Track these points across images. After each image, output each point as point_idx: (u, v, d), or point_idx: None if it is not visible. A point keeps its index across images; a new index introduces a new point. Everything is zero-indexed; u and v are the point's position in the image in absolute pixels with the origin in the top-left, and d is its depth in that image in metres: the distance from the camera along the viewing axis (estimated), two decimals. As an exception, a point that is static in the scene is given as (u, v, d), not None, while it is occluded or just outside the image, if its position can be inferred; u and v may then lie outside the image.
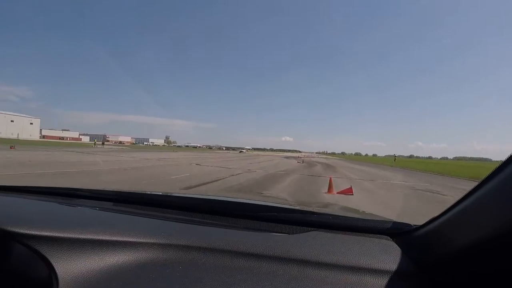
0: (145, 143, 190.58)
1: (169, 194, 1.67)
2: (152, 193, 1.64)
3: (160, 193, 1.71)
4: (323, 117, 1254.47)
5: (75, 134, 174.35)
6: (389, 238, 0.98)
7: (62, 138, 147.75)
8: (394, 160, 63.13)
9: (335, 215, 1.21)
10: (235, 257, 0.82)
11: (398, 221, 1.05)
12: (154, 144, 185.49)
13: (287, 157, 55.07)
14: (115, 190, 1.51)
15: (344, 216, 1.21)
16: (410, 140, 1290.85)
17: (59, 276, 0.70)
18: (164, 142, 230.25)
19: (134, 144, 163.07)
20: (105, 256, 0.78)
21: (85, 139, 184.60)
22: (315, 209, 1.32)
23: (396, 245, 0.91)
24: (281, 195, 8.05)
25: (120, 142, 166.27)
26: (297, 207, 1.46)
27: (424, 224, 0.86)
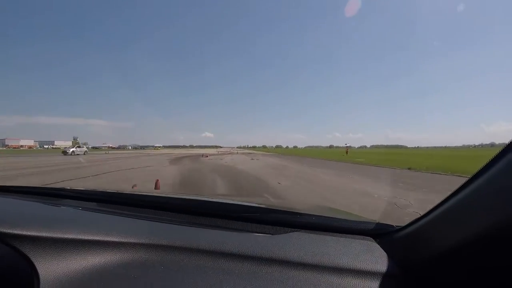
0: (48, 146, 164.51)
1: (152, 195, 1.64)
2: (135, 193, 1.63)
3: (143, 193, 1.66)
4: (243, 112, 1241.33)
5: None
6: (371, 239, 0.98)
7: None
8: (346, 152, 45.73)
9: (318, 215, 1.21)
10: (217, 257, 0.82)
11: (381, 222, 1.06)
12: (53, 147, 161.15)
13: (176, 159, 29.60)
14: (99, 190, 1.54)
15: (327, 217, 1.22)
16: (329, 131, 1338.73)
17: (40, 275, 0.70)
18: (72, 144, 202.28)
19: (33, 148, 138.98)
20: (87, 256, 0.78)
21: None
22: (299, 210, 1.27)
23: (379, 246, 0.92)
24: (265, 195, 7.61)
25: (21, 146, 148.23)
26: (280, 208, 1.36)
27: (407, 225, 0.87)
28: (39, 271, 0.70)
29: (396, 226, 0.97)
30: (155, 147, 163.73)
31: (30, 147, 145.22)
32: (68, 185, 6.77)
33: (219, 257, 0.82)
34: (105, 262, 0.78)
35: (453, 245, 0.64)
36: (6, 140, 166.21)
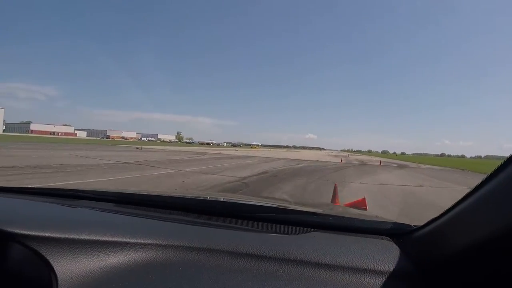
0: (148, 139, 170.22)
1: (169, 195, 1.61)
2: (152, 194, 1.64)
3: (160, 194, 1.69)
4: (347, 115, 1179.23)
5: (69, 129, 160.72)
6: (389, 238, 0.98)
7: (53, 133, 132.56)
8: None
9: (335, 215, 1.22)
10: (234, 258, 0.82)
11: (398, 221, 1.06)
12: (161, 140, 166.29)
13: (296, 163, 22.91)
14: (115, 191, 1.53)
15: (344, 217, 1.22)
16: (437, 138, 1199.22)
17: (58, 276, 0.70)
18: (176, 138, 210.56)
19: (139, 140, 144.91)
20: (105, 256, 0.78)
21: (82, 134, 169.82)
22: (315, 210, 1.28)
23: (396, 246, 0.91)
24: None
25: (124, 138, 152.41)
26: (297, 208, 1.39)
27: (424, 224, 0.87)
28: (57, 272, 0.71)
29: (413, 225, 0.97)
30: (252, 145, 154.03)
31: (131, 139, 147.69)
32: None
33: (237, 258, 0.82)
34: (123, 263, 0.78)
35: (471, 245, 0.63)
36: (108, 132, 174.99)
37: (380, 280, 0.74)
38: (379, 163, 29.21)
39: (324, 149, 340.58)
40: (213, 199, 1.57)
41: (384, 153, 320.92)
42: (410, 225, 0.99)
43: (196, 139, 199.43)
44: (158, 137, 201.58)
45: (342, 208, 1.91)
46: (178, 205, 1.31)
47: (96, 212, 1.18)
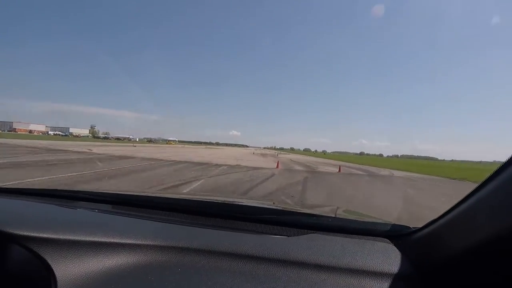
0: (55, 133, 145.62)
1: (168, 196, 1.60)
2: (151, 195, 1.62)
3: (159, 195, 1.66)
4: (270, 113, 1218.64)
5: None
6: (388, 240, 0.98)
7: None
8: None
9: (335, 217, 1.21)
10: (234, 259, 0.83)
11: (397, 223, 1.07)
12: (73, 135, 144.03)
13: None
14: (114, 192, 1.53)
15: (343, 219, 1.22)
16: (355, 138, 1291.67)
17: (57, 278, 0.71)
18: (89, 133, 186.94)
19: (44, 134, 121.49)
20: (103, 258, 0.79)
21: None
22: (314, 211, 1.32)
23: (395, 248, 0.92)
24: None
25: (30, 132, 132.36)
26: (296, 210, 1.42)
27: (423, 226, 0.87)
28: (56, 273, 0.71)
29: (412, 227, 0.97)
30: (168, 141, 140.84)
31: (38, 133, 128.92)
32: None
33: (236, 259, 0.82)
34: (121, 264, 0.78)
35: (469, 247, 0.63)
36: (13, 124, 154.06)
37: (379, 282, 0.74)
38: (338, 170, 19.00)
39: (247, 146, 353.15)
40: (212, 200, 1.56)
41: (306, 151, 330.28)
42: (409, 227, 0.99)
43: (116, 134, 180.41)
44: (70, 131, 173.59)
45: (342, 210, 1.80)
46: (178, 206, 1.31)
47: (95, 213, 1.19)
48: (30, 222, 0.90)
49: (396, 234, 0.99)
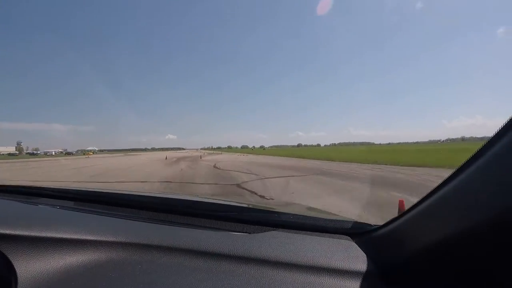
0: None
1: (129, 193, 1.58)
2: (113, 192, 1.59)
3: (121, 192, 1.61)
4: (204, 113, 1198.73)
5: None
6: (349, 238, 0.98)
7: None
8: None
9: (296, 214, 1.20)
10: (194, 256, 0.82)
11: (359, 221, 1.06)
12: None
13: None
14: (76, 188, 1.54)
15: (305, 216, 1.20)
16: (291, 130, 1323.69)
17: (18, 274, 0.70)
18: (16, 150, 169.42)
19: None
20: (65, 255, 0.78)
21: None
22: (276, 209, 1.30)
23: (356, 245, 0.92)
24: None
25: None
26: (258, 207, 1.45)
27: (385, 224, 0.87)
28: (17, 270, 0.70)
29: (374, 225, 0.97)
30: (86, 151, 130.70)
31: None
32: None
33: (196, 256, 0.82)
34: (83, 261, 0.78)
35: (429, 245, 0.64)
36: None
37: (340, 279, 0.74)
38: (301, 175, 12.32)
39: (184, 149, 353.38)
40: (173, 197, 1.52)
41: (244, 148, 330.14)
42: (370, 225, 0.99)
43: (48, 148, 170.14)
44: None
45: (304, 207, 1.88)
46: (139, 203, 1.31)
47: (56, 210, 1.19)
48: None
49: (358, 232, 0.99)
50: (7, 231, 0.78)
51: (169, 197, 1.52)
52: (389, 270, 0.76)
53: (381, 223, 0.90)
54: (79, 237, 0.83)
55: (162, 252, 0.83)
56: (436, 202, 0.66)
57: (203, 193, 7.68)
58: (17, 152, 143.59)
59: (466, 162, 0.60)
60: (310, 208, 1.77)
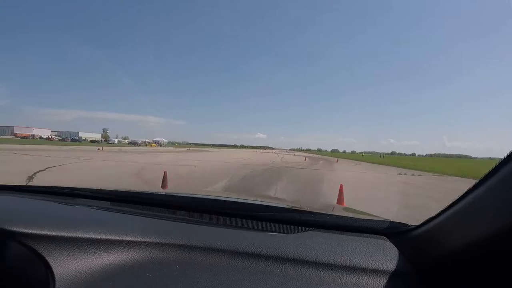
0: (59, 137, 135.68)
1: (166, 194, 1.65)
2: (149, 192, 1.63)
3: (157, 192, 1.67)
4: (296, 114, 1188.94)
5: None
6: (386, 238, 0.99)
7: None
8: None
9: (332, 215, 1.22)
10: (232, 256, 0.83)
11: (395, 221, 1.07)
12: (83, 139, 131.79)
13: None
14: (113, 189, 1.55)
15: (341, 216, 1.22)
16: (383, 137, 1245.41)
17: (56, 274, 0.70)
18: (101, 137, 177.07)
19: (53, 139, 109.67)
20: (102, 255, 0.79)
21: None
22: (312, 209, 1.31)
23: (393, 245, 0.92)
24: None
25: (33, 136, 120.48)
26: (294, 207, 1.43)
27: (421, 224, 0.86)
28: (54, 270, 0.71)
29: (410, 225, 0.97)
30: (148, 143, 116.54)
31: (49, 139, 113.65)
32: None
33: (233, 256, 0.82)
34: (119, 261, 0.78)
35: (467, 245, 0.63)
36: (15, 128, 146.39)
37: (377, 279, 0.74)
38: None
39: (273, 148, 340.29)
40: (209, 197, 1.55)
41: (334, 152, 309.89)
42: (407, 224, 0.99)
43: (142, 138, 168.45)
44: (80, 135, 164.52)
45: (340, 207, 1.92)
46: (174, 203, 1.32)
47: (93, 211, 1.20)
48: (28, 219, 0.90)
49: (394, 232, 0.99)
50: (44, 232, 0.79)
51: (206, 197, 1.53)
52: (425, 270, 0.76)
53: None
54: (115, 238, 0.84)
55: (199, 253, 0.83)
56: (470, 204, 0.66)
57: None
58: (102, 139, 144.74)
59: (499, 164, 0.59)
60: (346, 209, 1.80)
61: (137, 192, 1.55)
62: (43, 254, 0.74)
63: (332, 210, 1.38)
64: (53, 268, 0.71)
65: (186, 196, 1.53)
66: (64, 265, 0.73)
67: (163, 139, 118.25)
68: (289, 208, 1.35)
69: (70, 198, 1.40)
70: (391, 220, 1.06)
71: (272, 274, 0.76)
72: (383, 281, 0.74)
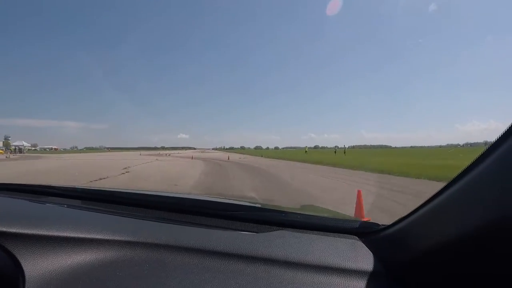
0: None
1: (137, 192, 1.61)
2: (121, 190, 1.60)
3: (129, 191, 1.62)
4: (218, 113, 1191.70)
5: None
6: (356, 237, 1.00)
7: None
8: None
9: (304, 214, 1.22)
10: (202, 255, 0.83)
11: (366, 220, 1.09)
12: None
13: None
14: (84, 187, 1.58)
15: (312, 215, 1.24)
16: (303, 132, 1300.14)
17: (26, 273, 0.70)
18: (3, 145, 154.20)
19: None
20: (72, 253, 0.78)
21: None
22: (284, 208, 1.33)
23: (364, 245, 0.93)
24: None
25: None
26: (266, 206, 1.48)
27: (392, 223, 0.88)
28: (24, 268, 0.70)
29: (382, 224, 0.98)
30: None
31: None
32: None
33: (204, 255, 0.82)
34: (90, 259, 0.78)
35: (438, 245, 0.64)
36: None
37: (347, 279, 0.74)
38: None
39: (194, 148, 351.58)
40: (181, 196, 1.55)
41: (258, 149, 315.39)
42: (378, 224, 1.00)
43: (54, 145, 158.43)
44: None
45: (312, 207, 1.99)
46: (145, 202, 1.33)
47: (64, 209, 1.21)
48: None
49: (365, 231, 1.00)
50: (15, 230, 0.78)
51: (177, 196, 1.56)
52: (396, 269, 0.76)
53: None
54: (86, 236, 0.83)
55: (170, 252, 0.83)
56: (442, 203, 0.66)
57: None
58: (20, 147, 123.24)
59: (471, 164, 0.60)
60: (317, 208, 1.83)
61: (109, 191, 1.54)
62: (13, 253, 0.72)
63: (304, 209, 1.41)
64: (23, 266, 0.70)
65: (157, 195, 1.55)
66: (35, 264, 0.72)
67: (23, 142, 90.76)
68: (261, 207, 1.36)
69: (41, 196, 1.40)
70: (362, 220, 1.08)
71: (242, 273, 0.76)
72: (354, 280, 0.74)
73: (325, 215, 1.24)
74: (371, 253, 0.86)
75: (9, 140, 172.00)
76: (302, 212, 1.22)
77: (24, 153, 63.47)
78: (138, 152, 78.93)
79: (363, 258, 0.82)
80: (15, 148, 69.06)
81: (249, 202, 1.50)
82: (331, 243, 0.92)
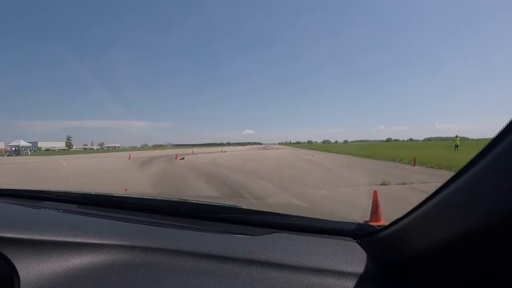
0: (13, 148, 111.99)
1: (132, 196, 1.60)
2: (115, 195, 1.60)
3: (124, 195, 1.65)
4: (284, 106, 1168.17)
5: None
6: (353, 240, 0.99)
7: None
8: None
9: (299, 216, 1.21)
10: (197, 259, 0.83)
11: (362, 222, 1.08)
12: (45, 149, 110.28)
13: None
14: (80, 192, 1.55)
15: (308, 218, 1.22)
16: (372, 124, 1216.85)
17: (21, 278, 0.70)
18: (65, 145, 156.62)
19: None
20: (68, 258, 0.79)
21: None
22: (279, 211, 1.30)
23: (360, 247, 0.92)
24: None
25: None
26: (261, 209, 1.42)
27: (389, 225, 0.86)
28: (19, 273, 0.70)
29: (377, 226, 0.97)
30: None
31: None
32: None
33: (199, 259, 0.82)
34: (86, 264, 0.78)
35: (434, 246, 0.64)
36: None
37: (344, 281, 0.74)
38: None
39: (260, 144, 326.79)
40: (176, 200, 1.57)
41: (326, 143, 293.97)
42: (374, 226, 0.99)
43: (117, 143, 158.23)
44: (39, 145, 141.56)
45: (307, 209, 2.00)
46: (142, 206, 1.33)
47: (60, 213, 1.21)
48: None
49: (361, 233, 0.98)
50: (11, 235, 0.78)
51: (173, 200, 1.57)
52: (393, 271, 0.76)
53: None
54: (81, 240, 0.83)
55: (165, 255, 0.83)
56: (439, 203, 0.65)
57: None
58: (66, 148, 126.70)
59: (468, 163, 0.59)
60: (312, 210, 1.90)
61: (104, 195, 1.54)
62: (8, 257, 0.72)
63: (299, 212, 1.35)
64: (18, 271, 0.70)
65: (152, 199, 1.52)
66: (30, 268, 0.71)
67: (22, 141, 66.63)
68: (255, 210, 1.33)
69: (37, 201, 1.41)
70: (358, 222, 1.06)
71: (238, 276, 0.75)
72: (350, 283, 0.73)
73: (321, 217, 1.19)
74: (367, 255, 0.85)
75: (71, 140, 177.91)
76: (297, 214, 1.20)
77: (21, 155, 53.03)
78: (191, 149, 65.82)
79: (360, 260, 0.81)
80: (12, 149, 56.62)
81: (244, 205, 1.50)
82: (327, 246, 0.91)
